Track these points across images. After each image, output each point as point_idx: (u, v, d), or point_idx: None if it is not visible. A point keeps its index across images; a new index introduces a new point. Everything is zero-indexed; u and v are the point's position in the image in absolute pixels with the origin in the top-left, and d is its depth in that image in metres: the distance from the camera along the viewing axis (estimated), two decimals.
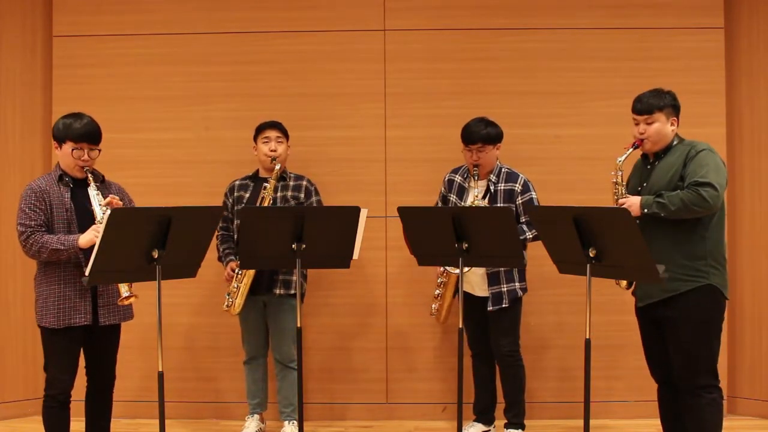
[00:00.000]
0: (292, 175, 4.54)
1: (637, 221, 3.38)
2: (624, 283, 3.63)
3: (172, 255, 3.20)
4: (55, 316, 3.50)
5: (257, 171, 4.54)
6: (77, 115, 3.61)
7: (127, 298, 3.47)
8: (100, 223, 3.36)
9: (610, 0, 4.84)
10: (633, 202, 3.49)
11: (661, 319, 3.53)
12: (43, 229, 3.49)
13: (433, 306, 4.42)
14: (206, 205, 4.42)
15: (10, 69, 4.94)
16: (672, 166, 3.51)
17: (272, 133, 4.46)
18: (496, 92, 4.85)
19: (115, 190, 3.73)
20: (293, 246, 3.55)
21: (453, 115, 4.66)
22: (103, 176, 3.71)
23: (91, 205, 3.51)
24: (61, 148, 3.59)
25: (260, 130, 4.49)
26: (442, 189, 4.49)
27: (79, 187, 3.60)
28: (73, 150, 3.55)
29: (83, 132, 3.55)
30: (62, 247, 3.44)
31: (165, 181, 4.86)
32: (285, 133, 4.50)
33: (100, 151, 3.63)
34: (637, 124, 3.60)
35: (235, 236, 4.45)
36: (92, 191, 3.53)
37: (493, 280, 4.25)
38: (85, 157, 3.56)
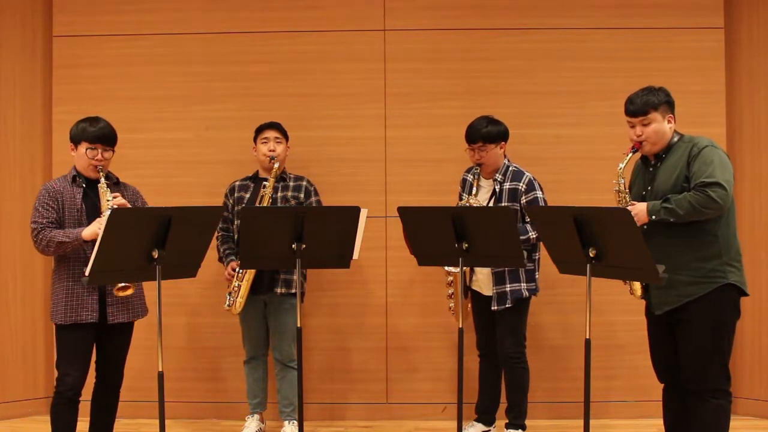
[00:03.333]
0: (291, 175, 4.54)
1: (645, 227, 3.35)
2: (638, 291, 3.56)
3: (172, 255, 3.20)
4: (62, 313, 3.58)
5: (257, 172, 4.55)
6: (94, 119, 3.72)
7: (122, 288, 3.45)
8: (104, 216, 3.39)
9: (610, 0, 4.84)
10: (640, 210, 3.37)
11: (676, 321, 3.44)
12: (53, 226, 3.57)
13: (450, 305, 4.38)
14: (206, 205, 4.44)
15: (10, 69, 4.94)
16: (675, 168, 3.41)
17: (271, 134, 4.46)
18: (496, 92, 4.85)
19: (130, 192, 3.81)
20: (293, 246, 3.55)
21: (453, 115, 4.67)
22: (117, 178, 3.80)
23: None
24: (76, 149, 3.69)
25: (259, 131, 4.50)
26: (460, 189, 4.49)
27: (91, 188, 3.69)
28: (87, 150, 3.64)
29: (98, 134, 3.66)
30: (66, 240, 3.52)
31: (165, 181, 4.86)
32: (284, 134, 4.51)
33: (114, 152, 3.73)
34: (632, 127, 3.48)
35: (236, 236, 4.45)
36: (102, 186, 3.59)
37: (498, 279, 4.24)
38: (99, 156, 3.65)
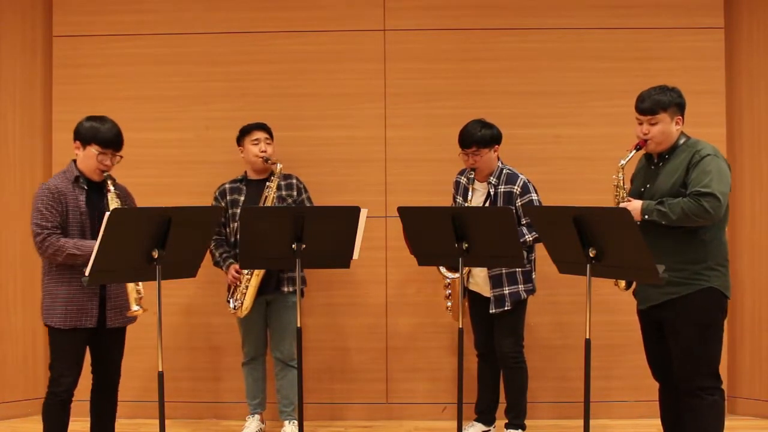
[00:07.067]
0: (281, 174, 4.52)
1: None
2: (623, 284, 3.60)
3: (172, 255, 3.20)
4: (61, 317, 3.52)
5: (245, 173, 4.53)
6: (102, 119, 3.65)
7: (136, 312, 3.49)
8: None
9: (610, 0, 4.84)
10: (634, 207, 3.42)
11: (662, 320, 3.50)
12: (59, 231, 3.50)
13: (448, 303, 4.38)
14: (206, 205, 4.44)
15: (10, 69, 4.94)
16: (675, 171, 3.43)
17: (261, 134, 4.46)
18: (496, 92, 4.85)
19: (122, 192, 3.75)
20: (293, 246, 3.55)
21: (453, 115, 4.66)
22: (115, 179, 3.72)
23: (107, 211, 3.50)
24: (84, 149, 3.60)
25: (247, 131, 4.47)
26: (453, 191, 4.49)
27: (93, 190, 3.62)
28: (98, 154, 3.57)
29: (111, 138, 3.60)
30: (78, 252, 3.44)
31: (165, 181, 4.86)
32: (271, 134, 4.51)
33: (121, 157, 3.68)
34: (640, 124, 3.51)
35: (232, 239, 4.43)
36: (113, 201, 3.54)
37: (495, 282, 4.24)
38: (108, 162, 3.61)
